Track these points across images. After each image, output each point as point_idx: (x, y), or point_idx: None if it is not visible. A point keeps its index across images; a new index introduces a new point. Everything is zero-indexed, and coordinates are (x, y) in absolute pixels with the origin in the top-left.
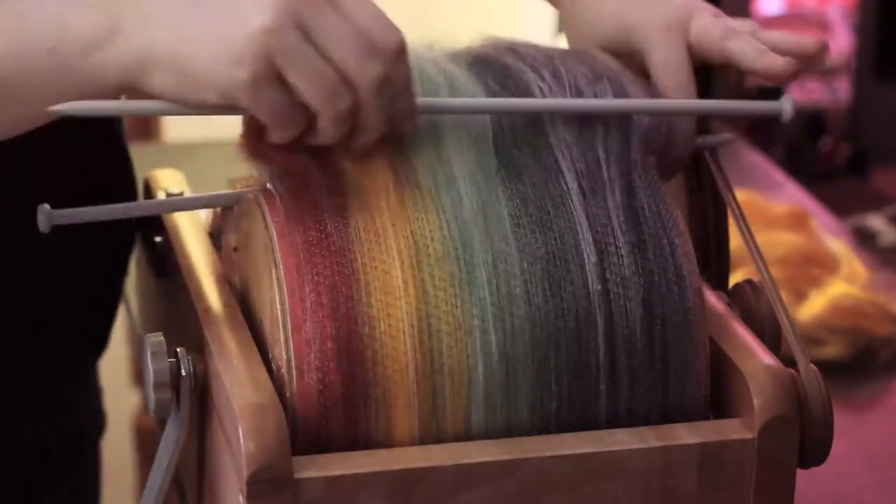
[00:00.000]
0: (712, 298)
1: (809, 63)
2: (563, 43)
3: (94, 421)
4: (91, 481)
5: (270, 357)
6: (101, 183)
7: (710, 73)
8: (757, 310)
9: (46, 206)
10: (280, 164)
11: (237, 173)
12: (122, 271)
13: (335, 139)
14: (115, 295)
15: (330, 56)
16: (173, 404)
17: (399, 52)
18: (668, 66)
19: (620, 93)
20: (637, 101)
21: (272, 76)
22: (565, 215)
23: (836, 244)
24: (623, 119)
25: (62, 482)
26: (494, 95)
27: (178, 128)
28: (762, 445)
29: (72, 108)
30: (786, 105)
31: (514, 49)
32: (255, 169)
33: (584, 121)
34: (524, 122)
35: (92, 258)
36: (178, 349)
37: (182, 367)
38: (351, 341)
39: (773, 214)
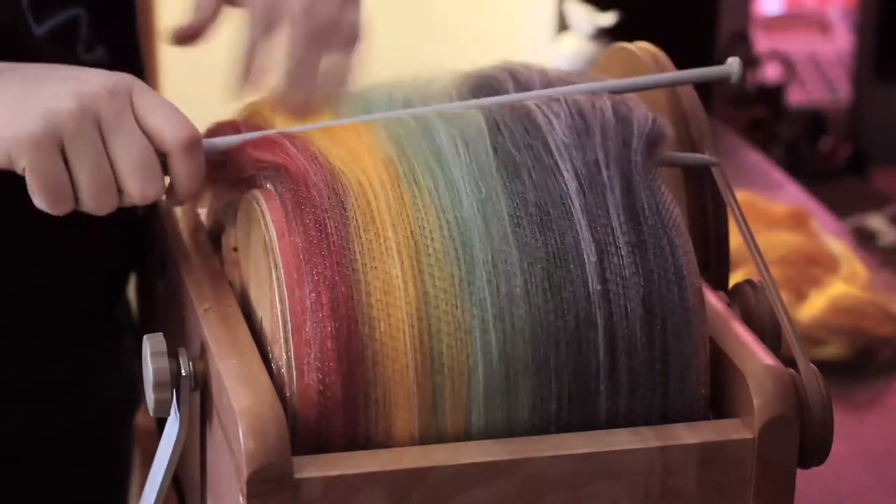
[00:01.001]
0: (712, 298)
1: None
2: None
3: (125, 395)
4: (123, 456)
5: (270, 357)
6: None
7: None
8: (757, 310)
9: None
10: (280, 164)
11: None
12: (128, 260)
13: None
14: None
15: (114, 160)
16: (173, 404)
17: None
18: None
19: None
20: (595, 84)
21: (54, 150)
22: (565, 215)
23: (836, 244)
24: (622, 121)
25: (91, 455)
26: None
27: None
28: (762, 445)
29: None
30: (733, 66)
31: (516, 78)
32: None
33: (582, 124)
34: (522, 125)
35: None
36: (178, 349)
37: (182, 367)
38: (351, 341)
39: (773, 214)
